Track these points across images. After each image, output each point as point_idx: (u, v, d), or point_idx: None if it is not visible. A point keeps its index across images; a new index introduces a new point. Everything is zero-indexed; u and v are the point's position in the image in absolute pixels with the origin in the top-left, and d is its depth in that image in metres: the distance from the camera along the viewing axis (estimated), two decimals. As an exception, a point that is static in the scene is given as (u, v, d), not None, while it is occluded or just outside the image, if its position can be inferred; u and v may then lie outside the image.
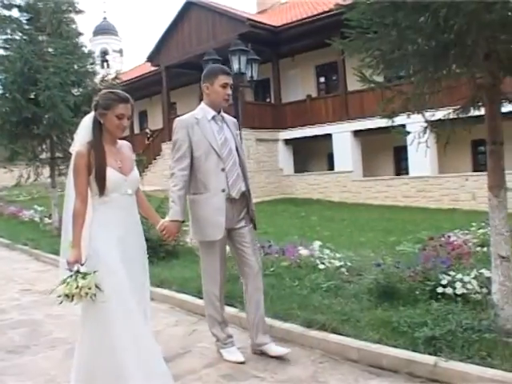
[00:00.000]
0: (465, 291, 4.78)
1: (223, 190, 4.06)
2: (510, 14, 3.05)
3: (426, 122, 4.30)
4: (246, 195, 4.25)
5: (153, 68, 27.08)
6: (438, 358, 3.68)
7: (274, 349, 4.22)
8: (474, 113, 4.47)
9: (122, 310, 3.18)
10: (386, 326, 4.26)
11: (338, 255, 6.60)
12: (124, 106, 3.32)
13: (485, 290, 4.68)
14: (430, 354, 3.75)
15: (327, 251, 6.70)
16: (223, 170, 4.09)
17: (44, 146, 13.39)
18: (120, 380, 3.11)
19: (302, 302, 5.03)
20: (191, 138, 4.08)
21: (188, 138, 4.07)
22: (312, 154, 23.03)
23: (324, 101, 21.83)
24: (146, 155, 24.53)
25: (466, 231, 9.32)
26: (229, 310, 4.99)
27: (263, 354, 4.26)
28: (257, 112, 22.07)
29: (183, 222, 4.05)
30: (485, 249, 6.55)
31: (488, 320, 4.07)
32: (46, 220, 14.36)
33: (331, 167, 21.10)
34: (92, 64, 13.92)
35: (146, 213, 3.78)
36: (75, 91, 13.23)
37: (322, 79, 24.16)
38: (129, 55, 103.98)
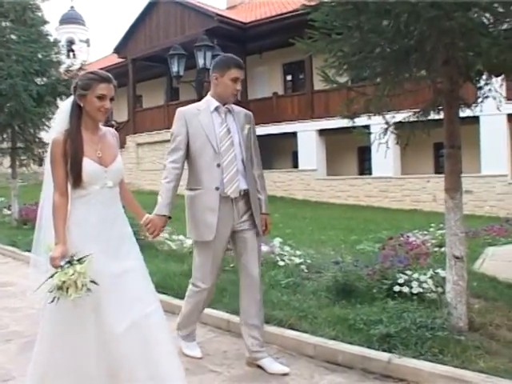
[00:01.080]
0: (421, 290, 4.89)
1: (217, 188, 3.78)
2: (469, 22, 3.13)
3: (387, 123, 4.39)
4: (248, 195, 3.92)
5: (119, 60, 26.85)
6: (391, 354, 3.77)
7: (274, 367, 3.91)
8: (434, 116, 4.58)
9: (94, 315, 2.86)
10: (343, 323, 4.35)
11: (298, 252, 6.67)
12: (105, 85, 3.00)
13: (440, 290, 4.79)
14: (384, 350, 3.85)
15: (288, 248, 6.78)
16: (219, 165, 3.79)
17: (5, 136, 13.12)
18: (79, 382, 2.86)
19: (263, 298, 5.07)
20: (188, 130, 3.83)
21: (184, 130, 3.83)
22: (277, 152, 23.12)
23: (290, 99, 21.97)
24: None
25: (425, 232, 9.55)
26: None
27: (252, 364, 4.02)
28: (223, 107, 22.02)
29: (170, 217, 3.77)
30: (442, 249, 6.68)
31: (441, 318, 4.17)
32: (6, 211, 14.10)
33: (296, 165, 21.26)
34: (57, 53, 13.65)
35: (129, 206, 3.45)
36: (39, 81, 12.97)
37: (289, 77, 24.34)
38: (96, 46, 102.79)
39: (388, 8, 3.06)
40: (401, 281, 4.97)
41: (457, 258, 4.15)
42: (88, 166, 2.96)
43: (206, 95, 4.07)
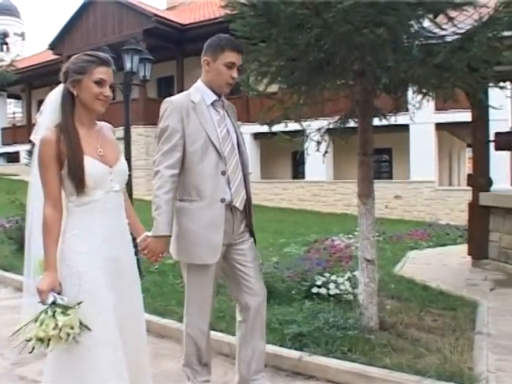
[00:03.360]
0: (338, 292, 5.10)
1: (222, 200, 3.09)
2: (378, 38, 3.30)
3: (303, 130, 4.56)
4: (246, 204, 3.27)
5: (54, 56, 26.29)
6: (302, 352, 3.94)
7: None
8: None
9: (108, 355, 2.42)
10: (260, 323, 4.48)
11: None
12: (105, 69, 2.53)
13: (357, 291, 5.01)
14: (296, 349, 4.01)
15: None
16: (224, 172, 3.12)
17: None
18: None
19: (182, 299, 5.12)
20: (185, 128, 3.07)
21: (182, 127, 3.07)
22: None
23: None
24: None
25: (351, 235, 9.85)
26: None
27: None
28: (159, 109, 21.89)
29: (170, 236, 3.08)
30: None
31: (354, 318, 4.37)
32: None
33: (231, 167, 21.36)
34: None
35: (128, 218, 2.80)
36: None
37: (227, 80, 24.38)
38: (31, 40, 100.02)
39: (299, 22, 3.22)
40: (319, 282, 5.16)
41: (368, 260, 4.35)
42: (91, 166, 2.48)
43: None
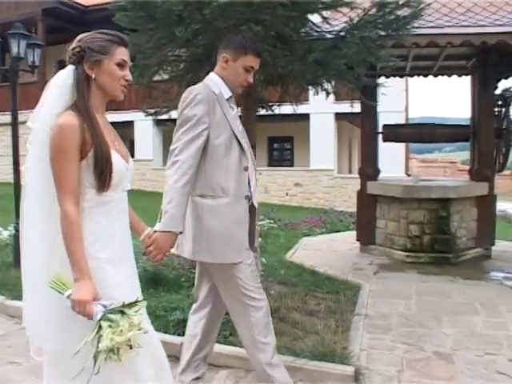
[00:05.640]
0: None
1: (246, 197, 2.98)
2: (254, 35, 3.42)
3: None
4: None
5: None
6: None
7: None
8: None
9: (148, 363, 2.23)
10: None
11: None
12: (125, 50, 2.26)
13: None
14: (179, 335, 4.10)
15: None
16: (246, 168, 3.00)
17: None
18: None
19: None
20: (211, 119, 2.90)
21: (208, 119, 2.88)
22: (115, 140, 22.79)
23: (128, 87, 21.62)
24: None
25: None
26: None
27: None
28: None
29: (181, 233, 2.84)
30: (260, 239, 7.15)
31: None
32: None
33: (132, 154, 21.03)
34: None
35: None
36: None
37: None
38: None
39: (175, 18, 3.28)
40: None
41: (251, 248, 4.49)
42: (116, 161, 2.18)
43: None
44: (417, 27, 6.06)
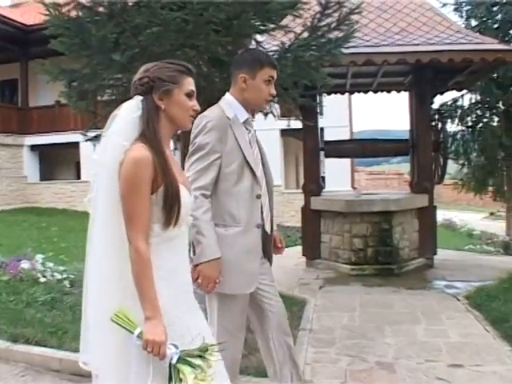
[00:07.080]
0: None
1: (258, 226, 2.91)
2: (189, 60, 3.50)
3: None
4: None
5: None
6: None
7: None
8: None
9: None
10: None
11: (61, 268, 6.68)
12: (192, 80, 2.21)
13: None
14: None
15: (51, 264, 6.74)
16: (259, 196, 2.91)
17: None
18: None
19: (14, 317, 5.03)
20: (223, 147, 2.83)
21: (220, 147, 2.82)
22: (60, 162, 22.43)
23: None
24: None
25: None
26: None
27: None
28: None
29: (220, 257, 2.77)
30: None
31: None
32: None
33: (79, 176, 20.80)
34: None
35: None
36: None
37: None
38: None
39: (110, 45, 3.32)
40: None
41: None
42: (184, 196, 2.11)
43: None
44: (353, 46, 6.30)
